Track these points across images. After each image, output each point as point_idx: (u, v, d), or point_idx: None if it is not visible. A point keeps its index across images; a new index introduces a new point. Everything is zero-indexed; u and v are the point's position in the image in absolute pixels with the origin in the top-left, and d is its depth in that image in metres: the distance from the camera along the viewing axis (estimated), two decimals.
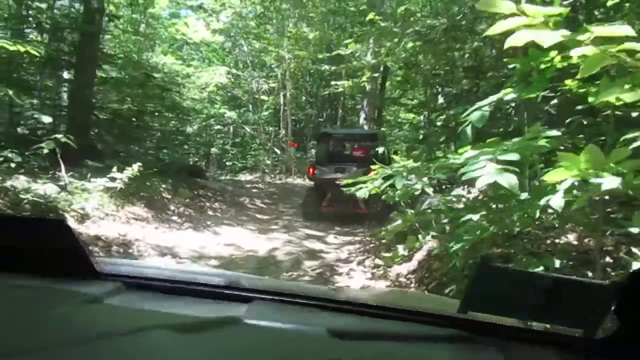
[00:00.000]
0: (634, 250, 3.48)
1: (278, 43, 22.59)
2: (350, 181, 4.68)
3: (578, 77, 2.12)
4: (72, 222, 6.11)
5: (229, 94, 26.41)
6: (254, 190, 15.20)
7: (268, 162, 22.71)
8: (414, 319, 1.12)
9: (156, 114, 14.82)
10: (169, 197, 10.38)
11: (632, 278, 0.94)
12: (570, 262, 3.74)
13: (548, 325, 1.11)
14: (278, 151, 23.45)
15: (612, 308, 0.94)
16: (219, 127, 28.52)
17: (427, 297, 2.35)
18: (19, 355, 0.75)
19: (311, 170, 11.41)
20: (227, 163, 25.96)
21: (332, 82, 23.61)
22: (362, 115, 21.79)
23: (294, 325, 1.04)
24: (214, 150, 29.44)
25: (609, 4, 5.63)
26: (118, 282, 1.19)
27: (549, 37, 2.01)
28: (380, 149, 10.53)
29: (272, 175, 21.55)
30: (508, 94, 2.80)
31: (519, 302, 1.02)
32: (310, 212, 11.18)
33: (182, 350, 0.86)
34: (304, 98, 25.55)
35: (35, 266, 1.13)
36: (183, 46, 21.95)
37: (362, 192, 4.32)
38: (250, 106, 26.32)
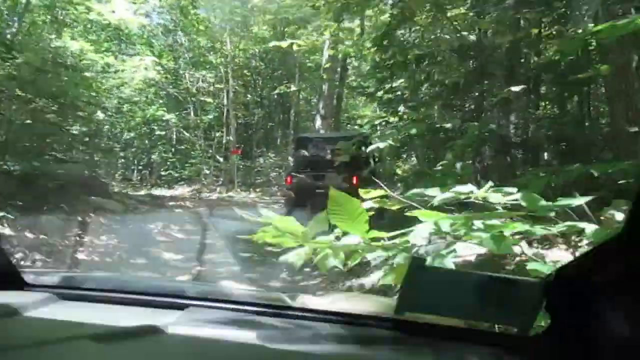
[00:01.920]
0: None
1: (220, 34, 18.74)
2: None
3: None
4: None
5: (163, 93, 22.21)
6: (177, 210, 11.23)
7: (207, 171, 18.69)
8: (350, 322, 1.11)
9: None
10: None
11: (557, 276, 0.95)
12: None
13: (485, 324, 1.09)
14: (220, 159, 19.47)
15: (543, 305, 0.94)
16: (159, 132, 24.55)
17: (367, 298, 2.02)
18: None
19: (289, 179, 10.40)
20: (163, 173, 21.81)
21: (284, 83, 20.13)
22: (318, 119, 18.61)
23: (224, 331, 1.01)
24: (155, 158, 25.41)
25: None
26: (45, 292, 1.13)
27: None
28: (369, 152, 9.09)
29: (211, 188, 17.55)
30: None
31: (454, 301, 1.00)
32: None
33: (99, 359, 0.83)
34: (249, 97, 21.59)
35: None
36: (104, 31, 17.86)
37: None
38: (192, 108, 22.22)
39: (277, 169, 19.86)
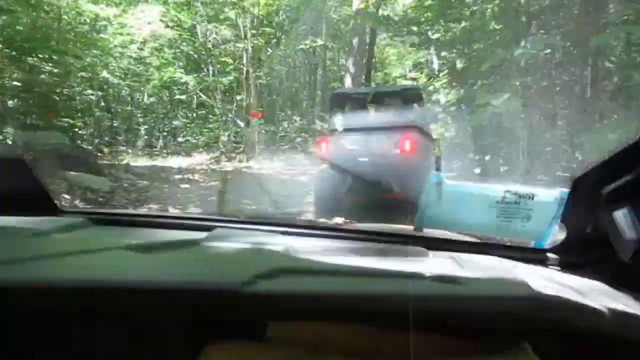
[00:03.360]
0: None
1: None
2: None
3: None
4: None
5: (179, 52, 19.85)
6: (182, 186, 9.01)
7: (224, 138, 16.43)
8: (371, 239, 1.13)
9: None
10: None
11: (574, 186, 0.93)
12: None
13: (503, 237, 1.10)
14: (241, 123, 17.16)
15: (559, 216, 0.96)
16: (180, 96, 22.39)
17: (387, 226, 1.78)
18: None
19: (322, 144, 8.14)
20: (180, 140, 19.70)
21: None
22: (348, 78, 16.33)
23: (251, 245, 1.03)
24: (176, 123, 23.34)
25: None
26: (80, 216, 1.14)
27: None
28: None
29: (230, 156, 15.32)
30: None
31: (471, 215, 1.03)
32: (324, 203, 7.82)
33: (143, 266, 0.85)
34: (271, 55, 19.00)
35: None
36: None
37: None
38: (211, 69, 19.84)
39: (303, 134, 17.48)
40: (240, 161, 14.99)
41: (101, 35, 15.50)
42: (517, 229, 1.02)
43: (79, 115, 24.14)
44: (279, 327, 0.89)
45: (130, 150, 21.15)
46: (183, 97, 22.51)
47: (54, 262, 0.81)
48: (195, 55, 20.95)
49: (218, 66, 20.74)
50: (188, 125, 21.78)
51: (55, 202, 1.15)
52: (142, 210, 1.72)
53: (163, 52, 21.56)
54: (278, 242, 1.05)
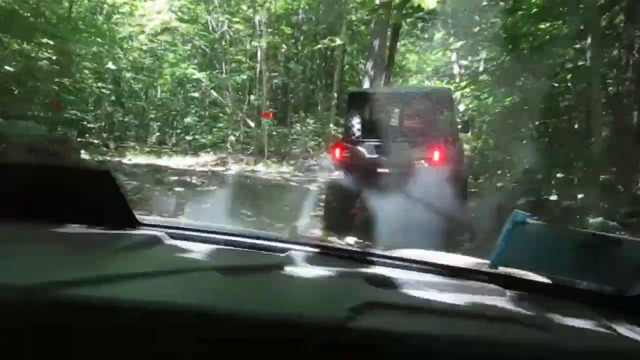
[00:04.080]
0: None
1: None
2: None
3: None
4: None
5: (190, 48, 18.86)
6: (176, 189, 7.84)
7: (233, 138, 15.33)
8: (447, 273, 1.10)
9: None
10: None
11: None
12: None
13: (582, 283, 1.04)
14: (252, 124, 16.04)
15: None
16: (193, 93, 21.41)
17: (461, 258, 1.66)
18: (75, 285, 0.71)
19: (337, 150, 6.91)
20: (188, 138, 18.68)
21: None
22: (366, 81, 15.18)
23: (330, 272, 1.00)
24: (188, 121, 22.37)
25: None
26: (158, 230, 1.14)
27: None
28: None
29: (238, 158, 14.18)
30: None
31: (551, 257, 0.99)
32: (336, 219, 6.74)
33: (231, 290, 0.83)
34: (286, 54, 17.83)
35: (82, 215, 1.10)
36: None
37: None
38: (224, 66, 18.79)
39: (316, 138, 16.30)
40: (247, 164, 13.85)
41: (107, 24, 14.42)
42: (603, 276, 0.93)
43: (90, 108, 23.50)
44: None
45: (137, 147, 20.26)
46: (196, 94, 21.56)
47: (134, 281, 0.79)
48: (209, 51, 19.94)
49: (233, 64, 19.85)
50: (198, 123, 20.75)
51: (135, 214, 1.14)
52: (216, 226, 1.31)
53: (177, 47, 20.67)
54: (356, 273, 1.01)
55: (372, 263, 1.14)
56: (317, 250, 1.16)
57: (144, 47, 18.04)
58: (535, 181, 5.94)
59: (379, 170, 6.39)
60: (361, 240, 6.11)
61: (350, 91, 8.65)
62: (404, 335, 0.74)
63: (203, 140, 17.50)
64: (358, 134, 6.91)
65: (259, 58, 17.10)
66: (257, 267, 0.98)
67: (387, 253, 1.24)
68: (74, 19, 14.11)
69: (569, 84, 5.51)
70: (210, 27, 18.37)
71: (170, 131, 25.64)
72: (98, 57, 15.08)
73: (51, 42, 10.45)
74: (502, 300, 0.94)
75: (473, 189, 9.08)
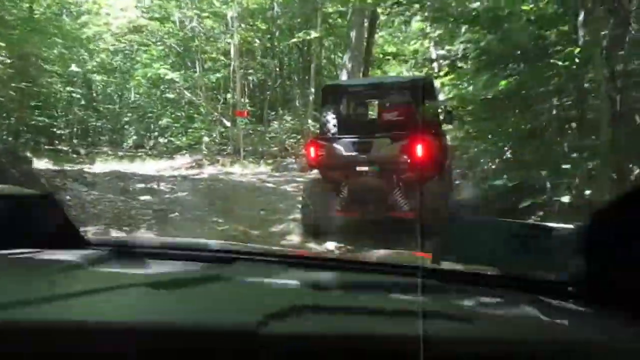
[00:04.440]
0: None
1: None
2: None
3: None
4: None
5: (163, 48, 18.11)
6: (140, 199, 7.15)
7: (207, 139, 14.64)
8: (387, 271, 1.11)
9: None
10: None
11: (595, 220, 0.89)
12: None
13: (522, 272, 1.04)
14: (228, 123, 15.37)
15: (581, 252, 0.90)
16: (169, 95, 20.59)
17: (399, 254, 1.98)
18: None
19: (312, 148, 6.17)
20: (161, 140, 17.95)
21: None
22: (344, 75, 14.73)
23: (272, 280, 1.02)
24: (163, 122, 21.55)
25: None
26: (105, 249, 1.14)
27: None
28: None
29: (215, 159, 13.52)
30: None
31: (489, 250, 1.00)
32: (314, 223, 6.13)
33: (160, 304, 0.83)
34: (261, 51, 17.14)
35: (25, 238, 1.08)
36: None
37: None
38: (197, 65, 18.07)
39: (294, 135, 15.69)
40: (223, 165, 13.19)
41: (71, 24, 13.59)
42: (537, 264, 0.95)
43: (61, 113, 22.57)
44: None
45: (110, 152, 19.45)
46: (171, 95, 20.77)
47: (67, 301, 0.79)
48: (181, 50, 19.17)
49: (209, 63, 19.15)
50: (174, 125, 19.97)
51: (82, 235, 1.16)
52: (168, 239, 1.73)
53: (147, 47, 19.86)
54: (298, 278, 1.03)
55: (322, 267, 1.13)
56: (262, 258, 1.16)
57: (112, 48, 17.14)
58: (533, 177, 5.41)
59: (358, 168, 5.82)
60: (342, 245, 5.58)
61: (324, 85, 7.94)
62: (321, 336, 0.74)
63: (178, 143, 16.76)
64: (334, 130, 6.31)
65: (232, 55, 16.39)
66: (194, 279, 0.97)
67: (330, 256, 1.32)
68: (36, 20, 13.26)
69: (561, 66, 4.98)
70: (181, 25, 17.59)
71: (148, 134, 24.82)
72: (62, 59, 14.21)
73: (2, 44, 9.68)
74: (444, 297, 0.94)
75: (457, 180, 8.60)
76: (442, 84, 10.95)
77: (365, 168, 5.77)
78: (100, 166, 11.83)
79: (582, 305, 0.90)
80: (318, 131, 6.70)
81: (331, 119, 6.30)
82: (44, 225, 1.11)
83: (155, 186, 8.08)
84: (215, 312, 0.81)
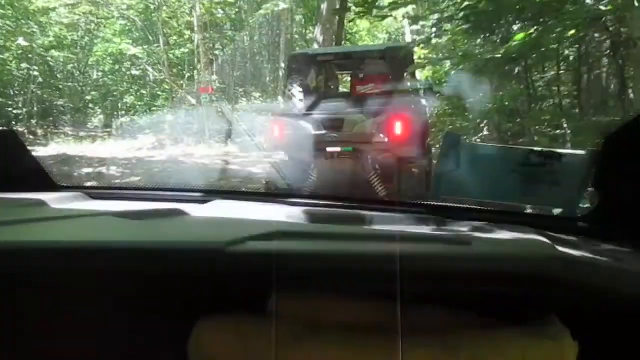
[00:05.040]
0: None
1: None
2: None
3: None
4: None
5: (126, 22, 16.87)
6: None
7: (170, 117, 13.67)
8: (385, 208, 1.04)
9: None
10: None
11: (606, 145, 0.78)
12: None
13: (528, 206, 0.98)
14: (193, 101, 14.37)
15: (590, 181, 0.82)
16: (134, 72, 19.36)
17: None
18: None
19: (276, 126, 5.37)
20: (124, 120, 16.85)
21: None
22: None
23: (247, 214, 0.97)
24: (127, 101, 20.35)
25: None
26: (76, 191, 1.10)
27: None
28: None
29: (178, 139, 12.58)
30: None
31: (492, 181, 0.91)
32: None
33: (130, 232, 0.80)
34: (221, 15, 15.97)
35: None
36: None
37: None
38: (161, 40, 16.90)
39: (264, 113, 14.76)
40: (188, 145, 12.26)
41: None
42: (546, 198, 0.86)
43: (17, 92, 21.10)
44: (279, 301, 0.74)
45: (71, 133, 18.25)
46: (136, 72, 19.54)
47: (41, 227, 0.78)
48: (144, 24, 17.91)
49: (175, 38, 18.00)
50: (138, 103, 18.81)
51: (52, 177, 1.08)
52: (145, 185, 1.66)
53: (108, 21, 18.54)
54: (278, 212, 0.96)
55: (298, 204, 1.04)
56: (240, 197, 1.12)
57: (66, 21, 15.82)
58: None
59: (329, 149, 5.08)
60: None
61: (290, 54, 7.02)
62: (294, 255, 0.70)
63: (140, 122, 15.70)
64: (301, 105, 5.52)
65: (196, 28, 15.29)
66: (169, 212, 0.91)
67: (319, 193, 1.28)
68: None
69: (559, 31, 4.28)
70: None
71: (115, 113, 23.53)
72: (8, 33, 12.94)
73: None
74: (444, 230, 0.86)
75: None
76: (419, 58, 10.25)
77: (337, 149, 5.02)
78: (52, 148, 10.74)
79: (590, 242, 0.80)
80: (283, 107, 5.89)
81: (297, 93, 5.51)
82: (8, 164, 1.01)
83: (105, 170, 7.18)
84: (187, 237, 0.77)
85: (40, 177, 1.07)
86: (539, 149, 0.86)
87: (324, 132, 5.07)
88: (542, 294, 0.66)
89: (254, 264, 0.68)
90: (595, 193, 0.82)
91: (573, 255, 0.69)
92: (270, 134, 5.37)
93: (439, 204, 0.95)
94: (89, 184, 5.69)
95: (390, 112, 4.97)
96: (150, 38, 17.61)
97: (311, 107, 5.44)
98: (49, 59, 19.98)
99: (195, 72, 16.95)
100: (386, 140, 4.89)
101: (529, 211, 0.95)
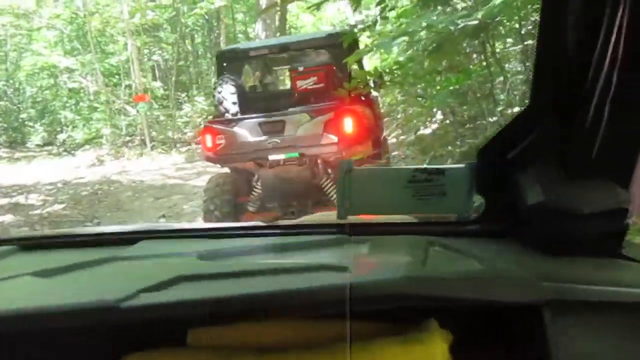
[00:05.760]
0: None
1: None
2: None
3: None
4: None
5: (44, 27, 15.57)
6: None
7: (107, 131, 12.57)
8: (294, 232, 1.06)
9: None
10: None
11: (480, 155, 0.91)
12: None
13: (424, 216, 1.06)
14: (133, 111, 13.30)
15: (475, 188, 0.92)
16: (71, 84, 17.91)
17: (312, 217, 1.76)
18: None
19: (208, 136, 4.56)
20: (59, 136, 15.58)
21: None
22: None
23: (168, 254, 0.96)
24: (63, 116, 18.85)
25: None
26: (9, 244, 1.08)
27: None
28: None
29: (119, 153, 11.57)
30: None
31: (388, 198, 0.97)
32: None
33: (44, 290, 0.81)
34: (151, 17, 14.84)
35: None
36: None
37: None
38: (93, 49, 15.64)
39: (210, 117, 13.86)
40: (129, 158, 11.23)
41: None
42: (437, 206, 0.93)
43: None
44: (199, 333, 0.81)
45: (4, 154, 16.79)
46: (73, 84, 18.14)
47: None
48: (73, 33, 16.60)
49: (110, 45, 16.78)
50: (76, 117, 17.44)
51: None
52: (76, 230, 1.57)
53: (33, 32, 17.10)
54: (197, 249, 0.95)
55: (216, 237, 1.04)
56: (166, 235, 1.10)
57: None
58: None
59: (271, 157, 4.34)
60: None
61: (218, 51, 6.10)
62: (198, 302, 0.72)
63: (77, 138, 14.46)
64: (235, 109, 4.73)
65: (126, 34, 14.19)
66: (89, 263, 0.91)
67: (239, 225, 1.16)
68: None
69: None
70: (66, 4, 15.06)
71: (54, 129, 21.92)
72: None
73: None
74: (348, 248, 0.92)
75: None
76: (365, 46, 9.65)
77: (281, 156, 4.30)
78: None
79: (486, 241, 0.91)
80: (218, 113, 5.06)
81: (229, 95, 4.70)
82: None
83: (23, 200, 6.18)
84: (93, 292, 0.79)
85: None
86: (424, 166, 0.87)
87: (263, 137, 4.34)
88: (422, 307, 0.75)
89: (147, 318, 0.71)
90: (480, 198, 0.90)
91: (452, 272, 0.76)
92: (203, 144, 4.57)
93: (344, 222, 0.94)
94: None
95: (338, 107, 4.28)
96: (82, 48, 16.31)
97: (246, 110, 4.69)
98: None
99: (132, 80, 15.84)
100: (336, 140, 4.20)
101: (428, 220, 1.01)
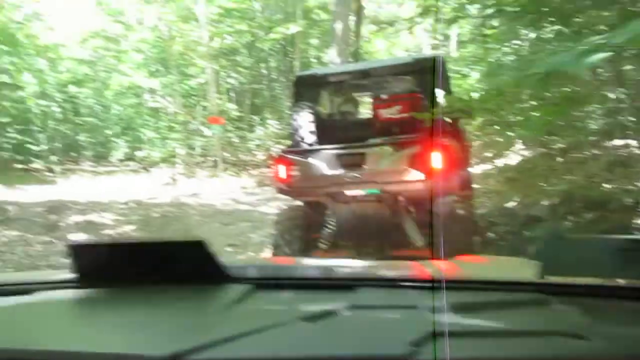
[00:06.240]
0: None
1: None
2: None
3: None
4: None
5: (132, 50, 16.28)
6: (55, 242, 5.22)
7: (182, 151, 12.76)
8: (492, 288, 1.02)
9: None
10: None
11: None
12: None
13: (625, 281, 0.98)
14: (209, 132, 13.48)
15: None
16: (153, 104, 18.70)
17: (503, 262, 1.61)
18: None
19: (281, 167, 4.19)
20: (137, 153, 16.10)
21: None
22: None
23: (394, 307, 0.95)
24: (144, 133, 19.65)
25: None
26: (248, 284, 1.09)
27: None
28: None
29: (192, 173, 11.65)
30: None
31: (592, 264, 0.92)
32: None
33: (314, 339, 0.80)
34: (230, 41, 15.07)
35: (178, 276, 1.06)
36: None
37: None
38: (175, 71, 16.20)
39: (282, 141, 13.79)
40: (200, 179, 11.27)
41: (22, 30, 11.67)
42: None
43: (37, 129, 20.70)
44: None
45: (87, 167, 17.63)
46: (155, 104, 18.91)
47: (241, 340, 0.77)
48: (158, 56, 17.30)
49: (191, 68, 17.39)
50: (156, 136, 18.07)
51: (227, 271, 1.07)
52: (306, 267, 1.52)
53: (121, 54, 18.01)
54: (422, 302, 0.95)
55: (441, 288, 0.97)
56: (383, 283, 1.10)
57: (79, 57, 15.25)
58: None
59: (348, 192, 3.93)
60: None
61: (295, 76, 5.75)
62: None
63: (154, 156, 14.85)
64: (311, 139, 4.40)
65: (209, 58, 14.48)
66: (320, 313, 0.88)
67: (453, 277, 1.13)
68: None
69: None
70: (154, 29, 15.70)
71: (139, 146, 22.96)
72: (16, 69, 12.31)
73: None
74: (551, 309, 0.89)
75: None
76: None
77: (360, 192, 3.88)
78: (43, 192, 9.50)
79: None
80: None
81: (306, 123, 4.37)
82: (195, 267, 1.05)
83: (96, 218, 6.16)
84: (362, 341, 0.78)
85: (216, 270, 1.06)
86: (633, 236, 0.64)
87: (340, 171, 3.95)
88: None
89: None
90: None
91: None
92: (276, 175, 4.24)
93: (542, 281, 0.90)
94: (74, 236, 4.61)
95: (426, 140, 3.81)
96: (164, 70, 16.94)
97: (323, 139, 4.33)
98: (67, 94, 19.62)
99: (208, 102, 16.21)
100: (423, 177, 3.73)
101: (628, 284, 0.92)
